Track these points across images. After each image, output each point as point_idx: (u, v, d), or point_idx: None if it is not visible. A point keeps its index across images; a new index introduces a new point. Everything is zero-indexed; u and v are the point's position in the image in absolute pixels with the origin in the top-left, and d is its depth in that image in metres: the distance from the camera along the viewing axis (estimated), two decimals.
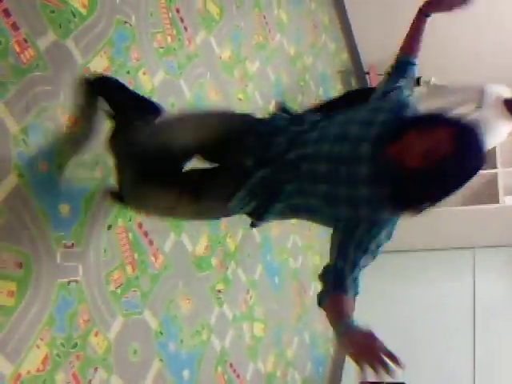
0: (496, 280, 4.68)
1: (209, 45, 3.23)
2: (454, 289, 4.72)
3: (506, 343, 4.31)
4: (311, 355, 4.09)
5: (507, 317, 4.45)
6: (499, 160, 4.88)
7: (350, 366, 4.47)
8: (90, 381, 2.09)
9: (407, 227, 3.84)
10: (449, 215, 4.61)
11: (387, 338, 4.65)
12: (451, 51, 5.22)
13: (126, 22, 2.52)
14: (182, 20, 2.96)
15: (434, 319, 4.55)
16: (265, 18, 4.02)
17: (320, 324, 4.25)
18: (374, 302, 4.85)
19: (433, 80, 4.48)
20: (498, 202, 4.65)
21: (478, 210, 4.71)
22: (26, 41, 1.97)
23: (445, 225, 4.70)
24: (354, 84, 5.82)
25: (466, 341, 4.41)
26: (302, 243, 4.11)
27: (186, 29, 2.99)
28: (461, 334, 4.47)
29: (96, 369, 2.13)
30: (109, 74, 2.36)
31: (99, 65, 2.32)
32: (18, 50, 1.93)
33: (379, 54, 5.52)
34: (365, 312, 4.83)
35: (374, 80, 5.39)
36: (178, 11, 2.93)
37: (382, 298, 4.85)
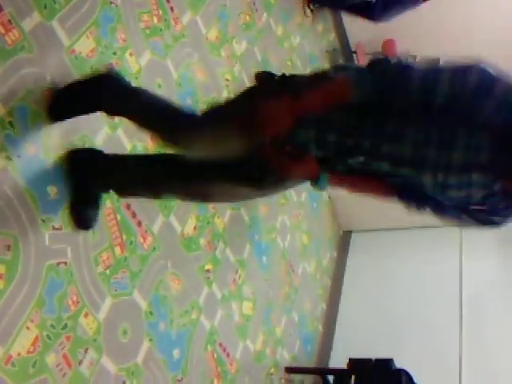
0: (482, 258, 4.73)
1: (195, 25, 3.22)
2: (441, 266, 4.78)
3: (493, 319, 4.38)
4: (300, 333, 4.13)
5: (493, 294, 4.51)
6: None
7: (338, 344, 4.54)
8: (81, 361, 2.11)
9: (394, 205, 3.89)
10: None
11: (375, 315, 4.76)
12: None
13: (111, 3, 2.50)
14: (168, 0, 2.94)
15: (421, 296, 4.61)
16: None
17: (308, 303, 4.29)
18: (363, 279, 4.91)
19: None
20: None
21: None
22: (10, 22, 1.95)
23: None
24: (342, 63, 5.82)
25: (452, 317, 4.48)
26: (290, 223, 4.14)
27: (172, 9, 2.98)
28: (447, 311, 4.53)
29: (86, 350, 2.14)
30: (95, 54, 2.35)
31: (85, 46, 2.30)
32: (2, 31, 1.92)
33: (366, 33, 5.54)
34: (354, 288, 4.93)
35: (362, 59, 5.40)
36: None
37: (370, 275, 4.90)
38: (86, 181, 2.15)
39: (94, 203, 2.20)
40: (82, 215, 2.18)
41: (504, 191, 1.60)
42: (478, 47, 4.62)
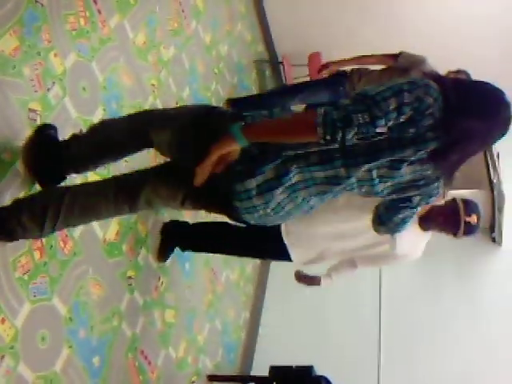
0: (401, 267, 4.87)
1: (123, 29, 3.19)
2: (362, 274, 4.89)
3: (410, 326, 4.54)
4: (223, 341, 4.13)
5: (410, 303, 4.67)
6: None
7: (260, 352, 4.57)
8: None
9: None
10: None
11: (298, 323, 4.78)
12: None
13: (37, 2, 2.45)
14: (95, 2, 2.91)
15: (342, 303, 4.71)
16: (181, 4, 4.01)
17: (232, 311, 4.30)
18: (286, 287, 4.95)
19: None
20: None
21: None
22: None
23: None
24: (269, 73, 5.90)
25: (372, 326, 4.60)
26: None
27: (99, 11, 2.94)
28: (367, 318, 4.66)
29: (2, 357, 2.07)
30: (18, 53, 2.30)
31: (8, 44, 2.25)
32: None
33: (293, 45, 5.65)
34: (276, 296, 4.95)
35: (288, 69, 5.49)
36: None
37: (292, 283, 4.94)
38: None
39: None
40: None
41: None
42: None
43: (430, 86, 1.69)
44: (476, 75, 1.88)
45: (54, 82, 2.53)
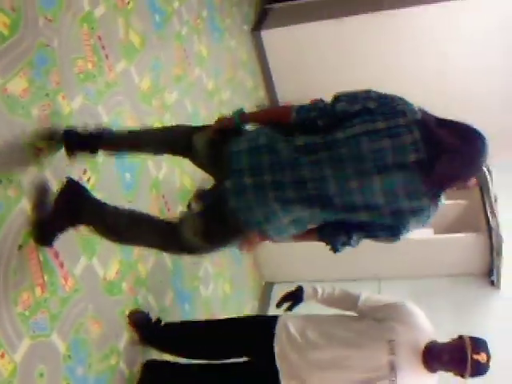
0: None
1: (129, 74, 3.29)
2: None
3: None
4: None
5: None
6: None
7: None
8: None
9: (318, 259, 3.98)
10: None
11: None
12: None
13: (47, 46, 2.54)
14: (103, 48, 3.01)
15: None
16: (185, 51, 4.13)
17: None
18: None
19: None
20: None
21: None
22: None
23: (351, 256, 4.86)
24: None
25: None
26: (213, 271, 4.17)
27: (107, 56, 3.04)
28: None
29: None
30: (27, 94, 2.38)
31: (18, 85, 2.33)
32: None
33: (294, 92, 5.76)
34: None
35: None
36: (100, 39, 2.98)
37: None
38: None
39: None
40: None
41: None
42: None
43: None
44: (476, 126, 1.99)
45: (61, 124, 2.60)
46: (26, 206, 2.34)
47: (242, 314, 4.59)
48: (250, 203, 2.04)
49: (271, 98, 6.02)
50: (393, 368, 2.53)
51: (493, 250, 4.52)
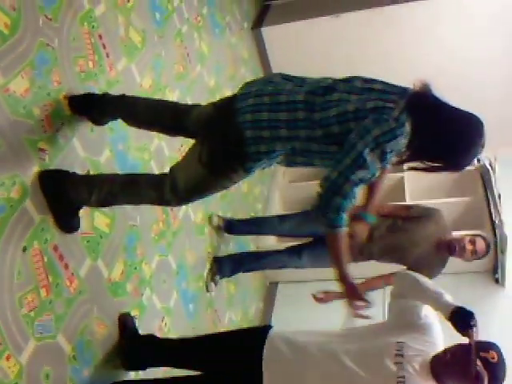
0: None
1: (130, 72, 3.27)
2: None
3: None
4: None
5: None
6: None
7: None
8: None
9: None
10: None
11: None
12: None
13: (48, 45, 2.52)
14: (104, 46, 2.99)
15: None
16: (186, 48, 4.11)
17: None
18: (288, 329, 4.92)
19: None
20: None
21: None
22: None
23: None
24: None
25: None
26: None
27: (107, 55, 3.02)
28: None
29: None
30: (29, 94, 2.36)
31: (20, 85, 2.31)
32: None
33: None
34: None
35: None
36: (100, 37, 2.96)
37: (295, 326, 4.90)
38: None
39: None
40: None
41: None
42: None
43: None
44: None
45: (62, 123, 2.59)
46: (29, 207, 2.31)
47: (246, 315, 4.58)
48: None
49: None
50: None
51: (497, 248, 4.50)
